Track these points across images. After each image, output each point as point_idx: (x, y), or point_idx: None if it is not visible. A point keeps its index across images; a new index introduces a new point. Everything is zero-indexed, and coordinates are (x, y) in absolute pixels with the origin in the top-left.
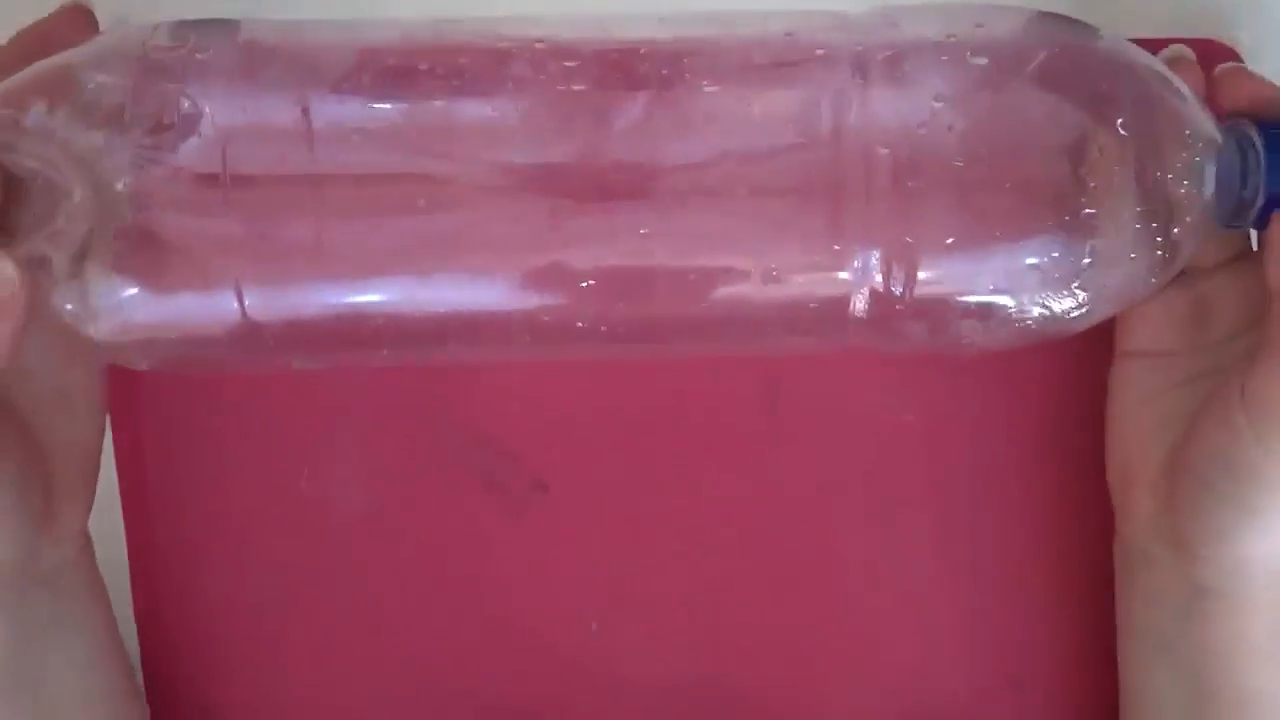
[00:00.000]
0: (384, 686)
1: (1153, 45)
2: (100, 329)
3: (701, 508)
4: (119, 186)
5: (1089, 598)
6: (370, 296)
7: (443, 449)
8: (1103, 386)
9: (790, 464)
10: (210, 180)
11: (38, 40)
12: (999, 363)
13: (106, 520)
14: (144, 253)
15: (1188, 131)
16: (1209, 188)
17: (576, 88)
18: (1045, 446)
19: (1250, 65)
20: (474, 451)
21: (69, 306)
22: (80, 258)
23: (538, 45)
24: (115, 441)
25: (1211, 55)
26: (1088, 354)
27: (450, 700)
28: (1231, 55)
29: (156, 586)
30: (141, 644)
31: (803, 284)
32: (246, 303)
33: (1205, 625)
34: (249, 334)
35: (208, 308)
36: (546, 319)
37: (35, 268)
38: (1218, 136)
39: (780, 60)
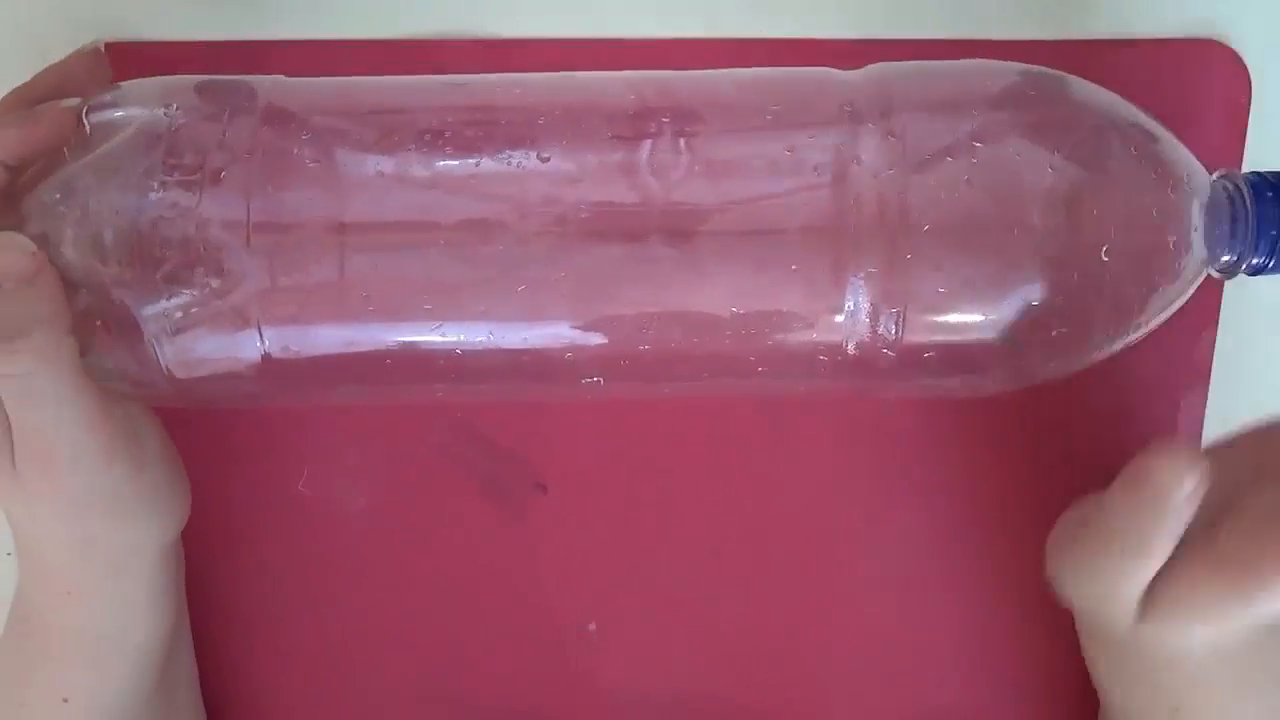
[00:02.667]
0: (382, 687)
1: (1153, 46)
2: (140, 380)
3: (701, 510)
4: (152, 247)
5: None
6: (385, 343)
7: (443, 450)
8: (1109, 390)
9: (790, 467)
10: (235, 228)
11: (55, 83)
12: None
13: None
14: (177, 302)
15: (1174, 189)
16: (1196, 241)
17: (586, 143)
18: (1046, 450)
19: (1250, 65)
20: (473, 452)
21: (114, 363)
22: (122, 319)
23: (548, 104)
24: None
25: (1211, 55)
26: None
27: (448, 700)
28: (1231, 55)
29: None
30: None
31: (790, 341)
32: (268, 344)
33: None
34: (273, 371)
35: (236, 350)
36: (563, 371)
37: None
38: (1207, 188)
39: (776, 129)
